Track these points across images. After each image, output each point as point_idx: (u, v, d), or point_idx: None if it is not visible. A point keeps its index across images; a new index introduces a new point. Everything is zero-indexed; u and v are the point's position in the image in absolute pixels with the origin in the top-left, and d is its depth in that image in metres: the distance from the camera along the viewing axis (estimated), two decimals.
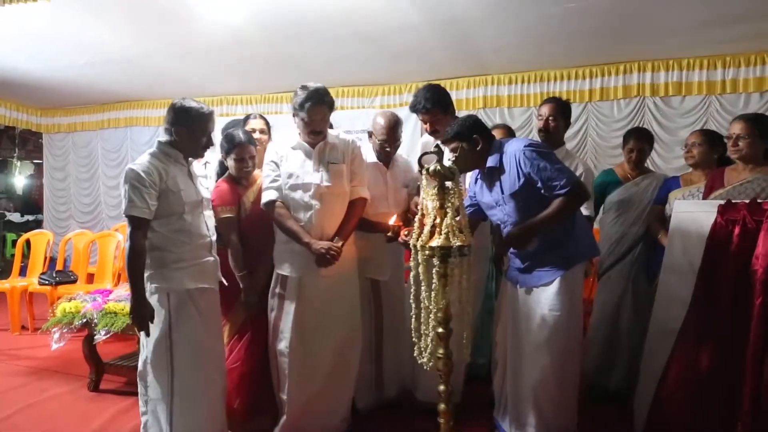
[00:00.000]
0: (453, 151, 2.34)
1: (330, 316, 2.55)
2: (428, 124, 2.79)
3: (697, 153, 2.90)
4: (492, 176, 2.39)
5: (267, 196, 2.51)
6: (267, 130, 3.07)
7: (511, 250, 2.45)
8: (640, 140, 3.12)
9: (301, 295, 2.51)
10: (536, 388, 2.33)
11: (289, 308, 2.52)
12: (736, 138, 2.51)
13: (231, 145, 2.61)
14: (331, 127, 2.67)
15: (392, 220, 2.48)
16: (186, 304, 2.23)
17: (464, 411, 2.84)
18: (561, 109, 2.91)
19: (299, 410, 2.53)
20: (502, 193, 2.36)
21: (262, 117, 3.13)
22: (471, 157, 2.34)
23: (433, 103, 2.73)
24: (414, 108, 2.80)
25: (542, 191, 2.24)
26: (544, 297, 2.33)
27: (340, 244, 2.47)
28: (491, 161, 2.35)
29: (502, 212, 2.42)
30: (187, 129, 2.25)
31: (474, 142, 2.34)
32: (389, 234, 2.49)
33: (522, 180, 2.26)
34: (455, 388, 2.83)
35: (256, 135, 2.91)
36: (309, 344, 2.53)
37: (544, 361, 2.31)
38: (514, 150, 2.29)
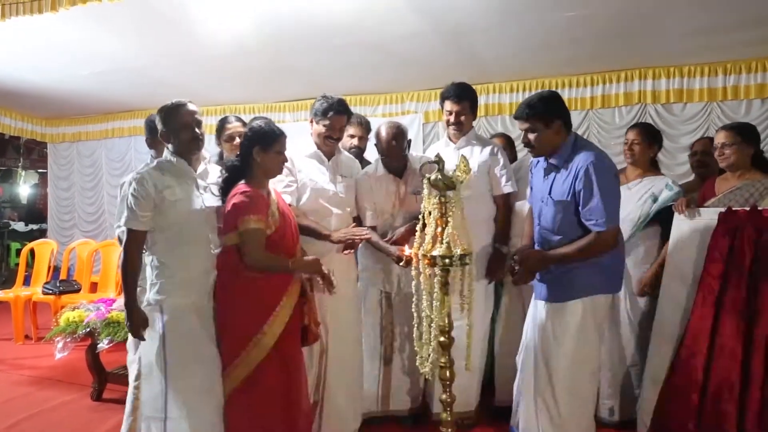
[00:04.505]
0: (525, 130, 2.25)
1: (335, 317, 2.64)
2: (453, 114, 2.85)
3: (711, 162, 2.88)
4: (550, 171, 2.29)
5: None
6: None
7: None
8: (633, 132, 2.93)
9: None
10: (545, 403, 2.26)
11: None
12: (721, 147, 2.56)
13: (271, 137, 2.28)
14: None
15: (407, 251, 2.33)
16: (179, 318, 2.19)
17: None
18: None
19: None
20: (549, 193, 2.27)
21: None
22: (546, 140, 2.22)
23: (466, 94, 2.85)
24: (445, 95, 2.88)
25: (580, 215, 2.15)
26: (559, 313, 2.24)
27: (363, 230, 2.59)
28: (556, 160, 2.24)
29: (541, 208, 2.33)
30: (164, 128, 2.26)
31: (554, 127, 2.21)
32: (402, 264, 2.50)
33: (570, 195, 2.17)
34: (469, 396, 2.83)
35: None
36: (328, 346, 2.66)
37: (553, 377, 2.24)
38: (581, 160, 2.15)
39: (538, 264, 2.23)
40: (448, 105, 2.86)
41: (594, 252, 2.13)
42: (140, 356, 2.29)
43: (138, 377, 2.49)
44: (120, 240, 2.53)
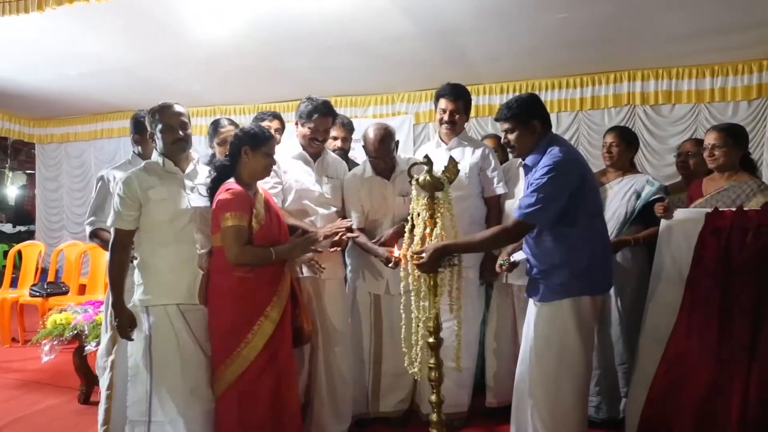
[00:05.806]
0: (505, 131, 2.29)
1: (324, 317, 2.67)
2: (447, 113, 2.87)
3: (693, 164, 2.97)
4: (527, 172, 2.31)
5: None
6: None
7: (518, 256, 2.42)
8: (611, 135, 2.95)
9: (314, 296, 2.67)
10: (535, 404, 2.23)
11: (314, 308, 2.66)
12: (711, 148, 2.58)
13: (260, 139, 2.29)
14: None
15: (396, 252, 2.30)
16: (164, 320, 2.18)
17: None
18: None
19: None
20: (525, 191, 2.26)
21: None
22: (525, 140, 2.25)
23: (462, 94, 2.89)
24: (440, 93, 2.89)
25: None
26: (545, 313, 2.23)
27: (348, 221, 2.61)
28: (530, 160, 2.27)
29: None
30: (150, 129, 2.28)
31: (532, 127, 2.25)
32: (390, 266, 2.50)
33: None
34: (460, 397, 2.83)
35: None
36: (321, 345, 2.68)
37: (537, 376, 2.23)
38: (546, 159, 2.16)
39: (438, 254, 2.08)
40: (443, 103, 2.87)
41: (496, 240, 2.21)
42: (128, 356, 2.27)
43: (110, 386, 2.50)
44: (89, 236, 2.54)
